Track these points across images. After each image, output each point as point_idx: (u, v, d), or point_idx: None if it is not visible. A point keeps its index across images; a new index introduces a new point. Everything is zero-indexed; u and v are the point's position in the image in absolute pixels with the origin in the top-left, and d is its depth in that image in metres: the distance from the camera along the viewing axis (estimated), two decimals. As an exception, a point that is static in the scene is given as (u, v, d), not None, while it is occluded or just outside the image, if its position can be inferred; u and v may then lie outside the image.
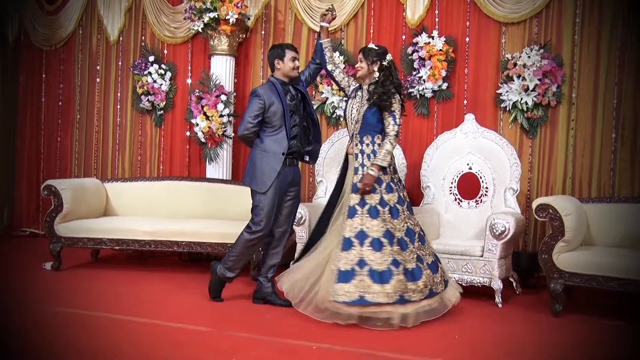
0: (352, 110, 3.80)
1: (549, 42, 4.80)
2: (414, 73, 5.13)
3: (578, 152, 4.76)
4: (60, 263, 4.90)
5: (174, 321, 3.41)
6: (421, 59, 5.09)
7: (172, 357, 2.80)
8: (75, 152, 6.76)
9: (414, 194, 4.89)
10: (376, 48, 3.79)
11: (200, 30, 5.55)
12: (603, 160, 4.68)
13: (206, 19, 5.41)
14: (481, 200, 4.56)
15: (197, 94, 5.58)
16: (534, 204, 3.89)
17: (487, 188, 4.55)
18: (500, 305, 3.94)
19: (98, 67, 6.61)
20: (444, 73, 5.04)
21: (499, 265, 3.99)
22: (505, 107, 4.90)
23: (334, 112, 5.45)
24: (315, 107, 5.50)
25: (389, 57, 3.78)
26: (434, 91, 5.13)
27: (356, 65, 3.83)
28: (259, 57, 5.86)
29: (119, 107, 6.51)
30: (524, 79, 4.75)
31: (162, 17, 6.20)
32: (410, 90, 5.14)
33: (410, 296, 3.39)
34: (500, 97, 4.89)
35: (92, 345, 2.94)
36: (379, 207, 3.57)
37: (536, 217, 3.88)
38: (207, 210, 5.29)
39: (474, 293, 4.18)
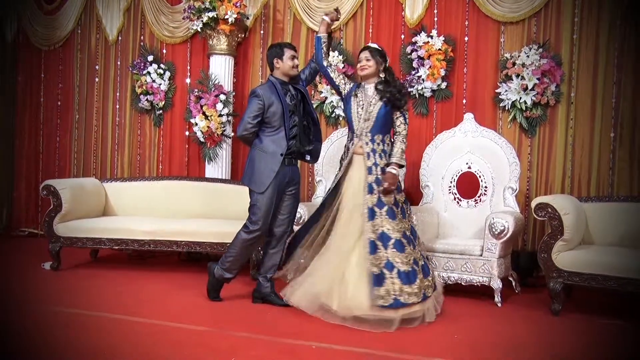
0: (357, 109, 3.76)
1: (547, 41, 4.80)
2: (413, 72, 5.14)
3: (577, 151, 4.77)
4: (59, 263, 4.89)
5: (173, 321, 3.40)
6: (420, 58, 5.10)
7: (172, 357, 2.80)
8: (74, 152, 6.75)
9: (413, 194, 4.91)
10: (380, 49, 3.83)
11: (199, 29, 5.55)
12: (602, 159, 4.69)
13: (205, 19, 5.41)
14: (480, 199, 4.57)
15: (196, 93, 5.58)
16: (533, 203, 3.89)
17: (486, 187, 4.56)
18: (499, 305, 3.95)
19: (97, 67, 6.60)
20: (443, 72, 5.05)
21: (498, 264, 4.00)
22: (504, 106, 4.90)
23: (333, 111, 5.45)
24: (314, 106, 5.52)
25: (387, 59, 3.85)
26: (433, 90, 5.14)
27: (362, 64, 3.76)
28: (258, 57, 5.86)
29: (118, 106, 6.51)
30: (522, 78, 4.75)
31: (161, 17, 6.20)
32: (409, 89, 5.15)
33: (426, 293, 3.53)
34: (499, 97, 4.90)
35: (92, 345, 2.94)
36: (393, 207, 3.62)
37: (535, 216, 3.88)
38: (207, 210, 5.29)
39: (473, 292, 4.21)
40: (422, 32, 5.13)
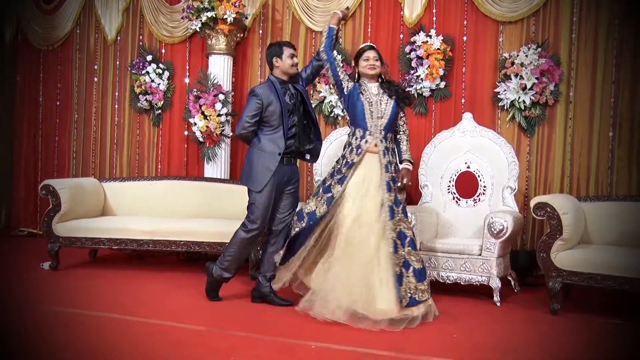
0: (369, 107, 3.74)
1: (546, 41, 4.81)
2: (412, 72, 5.14)
3: (576, 150, 4.78)
4: (58, 263, 4.90)
5: (173, 320, 3.41)
6: (419, 57, 5.10)
7: (171, 357, 2.80)
8: (73, 152, 6.75)
9: (412, 193, 4.91)
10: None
11: (198, 29, 5.55)
12: (600, 158, 4.70)
13: (204, 19, 5.41)
14: (479, 199, 4.57)
15: (195, 93, 5.58)
16: (532, 203, 3.90)
17: (485, 187, 4.56)
18: (498, 304, 3.95)
19: (96, 67, 6.61)
20: (441, 72, 5.05)
21: (497, 263, 4.01)
22: (503, 105, 4.91)
23: (331, 111, 5.46)
24: (313, 106, 5.53)
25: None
26: (431, 90, 5.14)
27: (372, 63, 3.77)
28: (256, 57, 5.87)
29: (116, 106, 6.51)
30: (521, 77, 4.76)
31: (160, 17, 6.20)
32: (408, 89, 5.14)
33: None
34: (498, 96, 4.91)
35: (91, 344, 2.94)
36: (404, 205, 3.73)
37: (534, 215, 3.89)
38: (205, 209, 5.29)
39: (473, 292, 4.21)
40: (421, 32, 5.13)
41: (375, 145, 3.70)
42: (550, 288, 3.73)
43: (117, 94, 6.51)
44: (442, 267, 4.15)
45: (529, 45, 4.80)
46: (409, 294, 3.43)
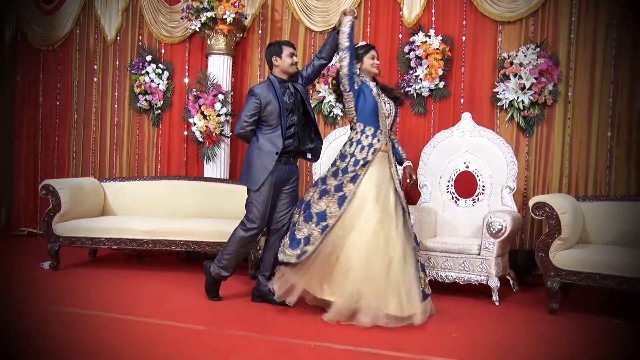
0: (382, 105, 3.74)
1: (545, 40, 4.82)
2: (411, 72, 5.14)
3: (574, 150, 4.78)
4: (58, 262, 4.90)
5: (172, 320, 3.41)
6: (418, 57, 5.10)
7: (171, 356, 2.81)
8: (73, 152, 6.76)
9: (411, 193, 4.91)
10: None
11: (197, 29, 5.56)
12: (599, 158, 4.70)
13: (203, 19, 5.42)
14: (478, 198, 4.58)
15: (195, 93, 5.58)
16: (531, 202, 3.90)
17: (484, 186, 4.58)
18: (497, 304, 3.96)
19: (95, 67, 6.62)
20: (440, 72, 5.05)
21: (496, 263, 4.02)
22: (502, 105, 4.91)
23: (331, 110, 5.46)
24: (312, 105, 5.53)
25: None
26: (430, 90, 5.15)
27: (377, 62, 3.84)
28: (256, 57, 5.87)
29: (116, 106, 6.52)
30: (520, 77, 4.77)
31: (160, 17, 6.20)
32: (407, 89, 5.16)
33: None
34: (497, 96, 4.91)
35: (91, 344, 2.95)
36: None
37: (533, 215, 3.90)
38: (205, 209, 5.30)
39: (471, 291, 4.22)
40: (420, 32, 5.14)
41: (386, 144, 3.72)
42: (549, 287, 3.74)
43: (116, 94, 6.52)
44: (441, 266, 4.17)
45: (528, 45, 4.81)
46: (421, 288, 3.52)
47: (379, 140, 3.66)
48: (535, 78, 4.72)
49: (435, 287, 3.94)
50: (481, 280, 4.03)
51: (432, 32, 5.12)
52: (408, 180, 3.82)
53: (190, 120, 5.62)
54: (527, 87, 4.74)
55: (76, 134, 6.74)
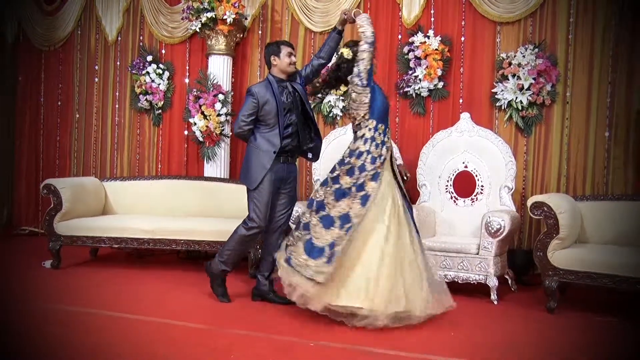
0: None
1: (543, 41, 4.83)
2: (410, 72, 5.16)
3: (572, 150, 4.80)
4: (60, 261, 4.92)
5: (172, 319, 3.43)
6: (417, 58, 5.12)
7: (170, 355, 2.82)
8: (74, 151, 6.79)
9: (411, 193, 4.91)
10: None
11: (197, 30, 5.58)
12: (597, 158, 4.72)
13: (204, 19, 5.44)
14: (477, 198, 4.61)
15: (195, 93, 5.61)
16: (529, 202, 3.92)
17: (482, 186, 4.60)
18: (495, 303, 3.98)
19: (96, 67, 6.64)
20: (439, 72, 5.07)
21: (494, 262, 4.04)
22: (501, 106, 4.93)
23: (330, 110, 5.48)
24: (312, 106, 5.54)
25: None
26: (429, 90, 5.16)
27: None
28: (256, 57, 5.89)
29: (117, 106, 6.54)
30: (518, 78, 4.78)
31: (160, 17, 6.23)
32: (407, 89, 5.18)
33: None
34: (496, 96, 4.93)
35: (91, 342, 2.96)
36: None
37: (531, 215, 3.92)
38: (205, 208, 5.32)
39: (470, 290, 4.22)
40: (419, 32, 5.15)
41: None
42: (547, 286, 3.76)
43: (117, 94, 6.54)
44: (439, 265, 4.17)
45: (526, 46, 4.82)
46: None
47: (388, 138, 3.69)
48: (534, 78, 4.73)
49: (434, 287, 3.96)
50: (480, 280, 4.05)
51: (431, 32, 5.13)
52: (405, 178, 3.88)
53: (191, 120, 5.64)
54: (525, 87, 4.76)
55: (77, 134, 6.77)
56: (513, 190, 4.49)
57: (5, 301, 3.76)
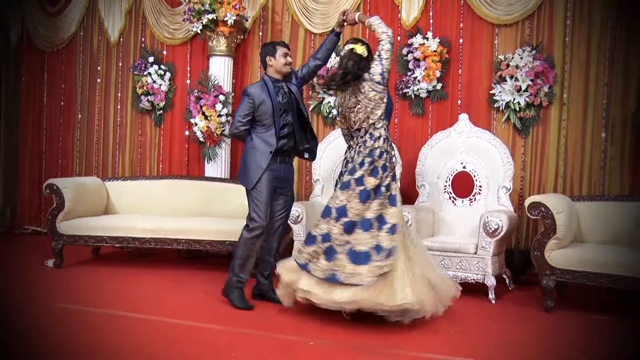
0: None
1: (540, 43, 4.86)
2: (409, 73, 5.19)
3: (569, 151, 4.83)
4: (62, 260, 4.95)
5: (173, 317, 3.44)
6: (416, 59, 5.15)
7: (171, 353, 2.84)
8: (76, 152, 6.84)
9: (409, 193, 4.96)
10: None
11: (199, 31, 5.61)
12: (593, 159, 4.75)
13: (205, 21, 5.47)
14: (475, 198, 4.63)
15: (196, 94, 5.64)
16: (527, 202, 3.95)
17: (480, 187, 4.62)
18: (493, 302, 4.01)
19: (99, 68, 6.68)
20: (438, 73, 5.10)
21: (492, 262, 4.06)
22: (499, 107, 4.96)
23: (330, 111, 5.51)
24: (311, 107, 5.58)
25: None
26: (428, 91, 5.19)
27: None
28: (256, 58, 5.91)
29: (119, 107, 6.58)
30: (516, 79, 4.81)
31: (162, 19, 6.26)
32: (405, 90, 5.21)
33: None
34: (494, 97, 4.96)
35: (92, 341, 2.98)
36: None
37: (529, 215, 3.95)
38: (206, 208, 5.34)
39: (468, 290, 4.21)
40: (418, 34, 5.19)
41: None
42: (544, 286, 3.79)
43: (119, 94, 6.58)
44: (438, 265, 4.17)
45: (524, 48, 4.85)
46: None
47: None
48: (531, 80, 4.76)
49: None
50: (478, 279, 4.08)
51: (429, 34, 5.16)
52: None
53: (192, 121, 5.67)
54: (523, 88, 4.79)
55: (80, 134, 6.81)
56: (511, 190, 4.51)
57: (9, 299, 3.78)
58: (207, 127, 5.56)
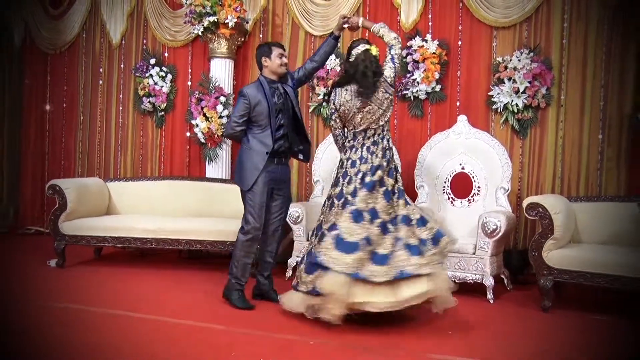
0: None
1: (538, 45, 4.89)
2: (408, 75, 5.21)
3: (566, 152, 4.85)
4: (64, 260, 4.98)
5: (174, 317, 3.46)
6: (415, 61, 5.18)
7: (171, 353, 2.85)
8: (78, 153, 6.88)
9: (409, 193, 4.93)
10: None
11: (200, 33, 5.64)
12: (590, 160, 4.77)
13: (206, 23, 5.50)
14: (473, 199, 4.65)
15: (197, 95, 5.67)
16: (525, 203, 3.97)
17: (479, 187, 4.64)
18: (491, 301, 4.03)
19: (101, 70, 6.73)
20: (437, 75, 5.12)
21: (490, 262, 4.08)
22: (497, 108, 4.98)
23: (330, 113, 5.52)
24: (311, 108, 5.62)
25: None
26: (427, 93, 5.22)
27: None
28: (257, 60, 5.96)
29: (121, 108, 6.62)
30: (514, 81, 4.83)
31: (163, 21, 6.30)
32: (405, 92, 5.24)
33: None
34: (492, 99, 4.98)
35: (92, 340, 2.99)
36: None
37: (526, 215, 3.97)
38: (207, 208, 5.37)
39: (467, 289, 4.23)
40: (417, 37, 5.21)
41: None
42: (542, 286, 3.81)
43: (121, 96, 6.62)
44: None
45: (522, 50, 4.88)
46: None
47: None
48: (529, 82, 4.78)
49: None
50: (476, 279, 4.09)
51: (428, 36, 5.19)
52: None
53: (193, 122, 5.70)
54: (521, 90, 4.81)
55: (82, 135, 6.86)
56: (509, 191, 4.53)
57: (12, 299, 3.81)
58: (208, 128, 5.59)
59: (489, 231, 4.04)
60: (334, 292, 3.16)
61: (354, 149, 3.61)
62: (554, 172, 4.89)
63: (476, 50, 5.13)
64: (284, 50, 3.92)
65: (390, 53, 3.64)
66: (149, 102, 6.27)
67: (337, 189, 3.58)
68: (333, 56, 5.38)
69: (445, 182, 4.77)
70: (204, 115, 5.61)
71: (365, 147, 3.58)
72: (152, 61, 6.25)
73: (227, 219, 4.98)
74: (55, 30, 6.90)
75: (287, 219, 4.43)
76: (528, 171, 4.98)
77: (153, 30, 6.37)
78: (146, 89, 6.22)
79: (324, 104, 5.47)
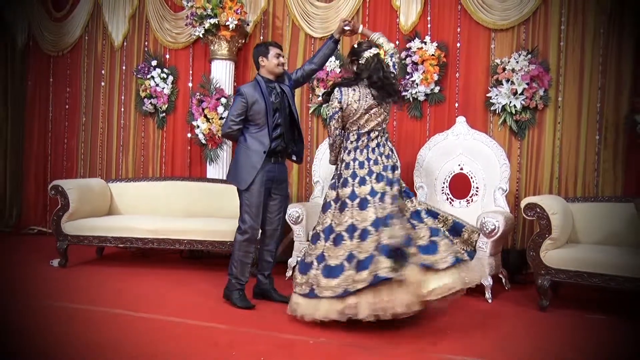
0: None
1: (536, 48, 4.91)
2: (407, 77, 5.23)
3: (564, 153, 4.87)
4: (67, 260, 5.01)
5: (175, 316, 3.48)
6: (414, 63, 5.20)
7: (172, 351, 2.86)
8: (81, 153, 6.91)
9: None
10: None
11: (201, 35, 5.67)
12: (587, 161, 4.79)
13: (207, 25, 5.53)
14: (472, 199, 4.67)
15: (198, 97, 5.70)
16: (523, 203, 3.99)
17: (477, 188, 4.67)
18: (489, 301, 4.05)
19: (103, 72, 6.76)
20: (436, 77, 5.15)
21: (489, 262, 4.10)
22: (495, 110, 5.00)
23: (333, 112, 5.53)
24: (311, 109, 5.65)
25: None
26: (426, 94, 5.24)
27: None
28: (258, 61, 5.98)
29: (122, 109, 6.66)
30: (512, 83, 4.85)
31: (165, 23, 6.33)
32: (404, 93, 5.25)
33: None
34: (490, 101, 5.00)
35: (93, 339, 3.01)
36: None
37: (524, 215, 3.99)
38: (208, 209, 5.39)
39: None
40: (416, 38, 5.23)
41: None
42: (540, 285, 3.83)
43: (123, 97, 6.66)
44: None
45: (520, 52, 4.90)
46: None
47: None
48: (527, 83, 4.80)
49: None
50: (475, 279, 4.14)
51: (427, 38, 5.21)
52: None
53: (194, 123, 5.73)
54: (519, 92, 4.83)
55: (84, 136, 6.89)
56: (507, 191, 4.55)
57: (15, 298, 3.83)
58: (209, 129, 5.63)
59: (487, 231, 4.06)
60: (414, 282, 3.17)
61: (358, 150, 3.62)
62: (552, 173, 4.91)
63: (474, 52, 5.15)
64: (282, 50, 3.94)
65: (391, 60, 3.73)
66: (151, 103, 6.30)
67: (347, 190, 3.54)
68: (333, 58, 5.40)
69: (444, 183, 4.80)
70: (205, 116, 5.64)
71: (370, 149, 3.62)
72: (154, 63, 6.28)
73: (227, 219, 5.00)
74: (58, 33, 6.94)
75: (287, 219, 4.47)
76: (526, 172, 5.00)
77: (154, 32, 6.40)
78: (147, 91, 6.26)
79: (324, 104, 5.48)
